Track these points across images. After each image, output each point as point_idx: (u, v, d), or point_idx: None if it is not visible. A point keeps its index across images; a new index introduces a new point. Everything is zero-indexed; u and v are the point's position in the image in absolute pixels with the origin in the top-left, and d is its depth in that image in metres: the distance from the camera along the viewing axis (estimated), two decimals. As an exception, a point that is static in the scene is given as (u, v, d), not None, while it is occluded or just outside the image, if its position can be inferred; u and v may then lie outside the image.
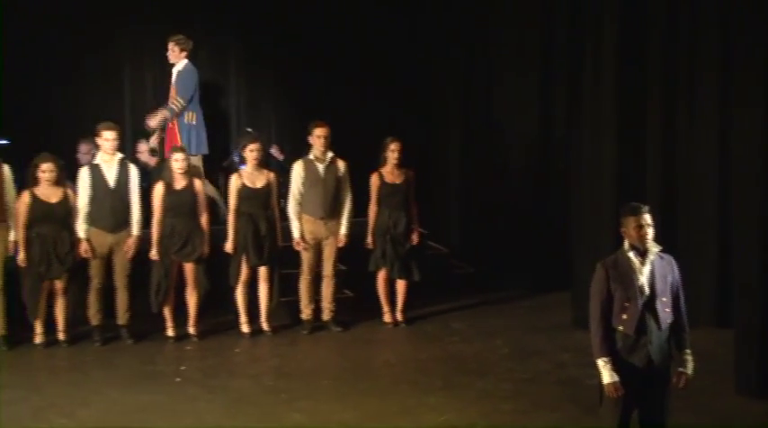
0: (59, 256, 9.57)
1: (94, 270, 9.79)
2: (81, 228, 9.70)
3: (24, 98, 12.24)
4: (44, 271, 9.55)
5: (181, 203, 9.80)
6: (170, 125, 11.17)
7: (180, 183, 9.83)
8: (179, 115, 11.09)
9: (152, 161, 12.03)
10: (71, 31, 12.45)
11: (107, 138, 9.79)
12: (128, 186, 9.84)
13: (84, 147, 11.26)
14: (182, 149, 10.04)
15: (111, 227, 9.75)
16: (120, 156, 9.93)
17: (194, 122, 11.16)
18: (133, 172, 9.95)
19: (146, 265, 9.86)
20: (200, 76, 11.41)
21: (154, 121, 11.32)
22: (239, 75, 13.46)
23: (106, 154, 9.83)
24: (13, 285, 9.66)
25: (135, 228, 9.83)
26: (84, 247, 9.66)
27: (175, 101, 11.08)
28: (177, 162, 9.82)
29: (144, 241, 9.88)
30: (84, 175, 9.80)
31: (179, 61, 11.20)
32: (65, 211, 9.63)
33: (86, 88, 12.63)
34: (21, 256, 9.54)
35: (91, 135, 10.46)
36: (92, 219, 9.73)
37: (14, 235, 9.59)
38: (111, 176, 9.79)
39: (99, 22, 12.50)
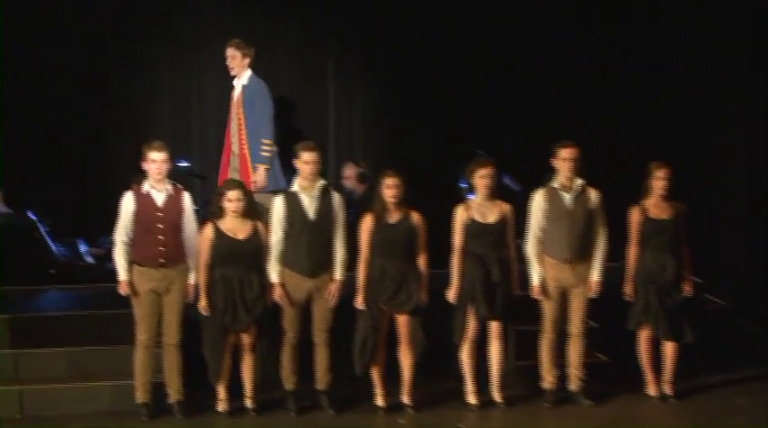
0: (247, 303, 9.20)
1: (289, 321, 9.39)
2: (274, 270, 9.33)
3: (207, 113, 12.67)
4: (229, 321, 9.19)
5: (394, 240, 9.33)
6: (243, 151, 10.92)
7: (393, 216, 9.35)
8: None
9: (359, 188, 11.98)
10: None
11: (306, 160, 9.40)
12: (330, 219, 9.42)
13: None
14: (395, 174, 9.53)
15: (309, 270, 9.34)
16: (322, 182, 9.51)
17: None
18: (337, 202, 9.50)
19: (350, 317, 9.46)
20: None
21: (261, 180, 10.92)
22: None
23: (305, 180, 9.43)
24: (193, 339, 9.38)
25: (339, 271, 9.42)
26: (277, 293, 9.31)
27: (265, 146, 10.83)
28: (390, 189, 9.34)
29: (348, 286, 9.51)
30: (278, 206, 9.42)
31: (243, 71, 11.08)
32: (254, 249, 9.27)
33: (286, 103, 12.65)
34: (202, 303, 9.22)
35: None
36: (286, 260, 9.36)
37: (194, 277, 9.29)
38: (310, 207, 9.37)
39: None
